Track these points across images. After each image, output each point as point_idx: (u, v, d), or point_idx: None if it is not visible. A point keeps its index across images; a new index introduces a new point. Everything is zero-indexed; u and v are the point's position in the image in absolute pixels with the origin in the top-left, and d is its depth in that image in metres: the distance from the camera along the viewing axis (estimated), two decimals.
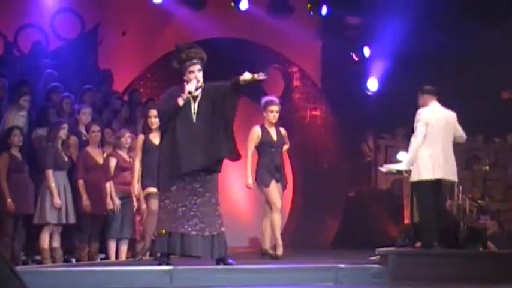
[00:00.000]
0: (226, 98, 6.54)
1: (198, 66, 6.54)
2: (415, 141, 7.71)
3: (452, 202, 8.76)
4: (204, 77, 6.59)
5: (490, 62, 12.03)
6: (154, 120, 7.84)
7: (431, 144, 7.69)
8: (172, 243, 6.41)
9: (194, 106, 6.53)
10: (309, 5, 13.27)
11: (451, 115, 7.89)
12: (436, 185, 7.74)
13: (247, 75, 6.49)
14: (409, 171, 7.86)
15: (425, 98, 7.89)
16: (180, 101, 6.47)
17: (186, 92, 6.46)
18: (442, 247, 7.61)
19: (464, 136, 8.01)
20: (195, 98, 6.54)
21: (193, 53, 6.56)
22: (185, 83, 6.55)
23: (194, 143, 6.45)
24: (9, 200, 8.03)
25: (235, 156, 6.68)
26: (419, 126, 7.71)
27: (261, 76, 6.55)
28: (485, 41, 11.95)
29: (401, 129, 13.04)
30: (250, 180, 8.07)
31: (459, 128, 7.92)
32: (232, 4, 12.72)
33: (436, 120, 7.75)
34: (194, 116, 6.51)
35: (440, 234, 7.72)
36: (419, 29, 12.11)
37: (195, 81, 6.50)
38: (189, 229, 6.41)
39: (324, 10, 13.34)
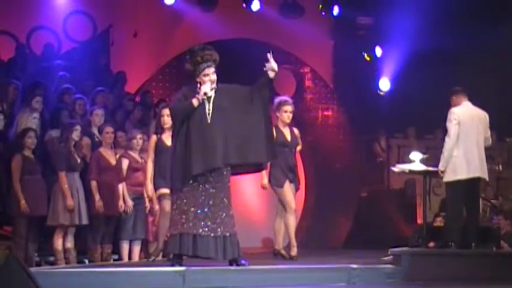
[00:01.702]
0: (256, 96, 6.56)
1: (213, 69, 6.57)
2: (449, 141, 7.72)
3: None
4: (216, 77, 6.60)
5: (503, 61, 11.98)
6: (167, 119, 7.85)
7: (465, 143, 7.71)
8: (184, 244, 6.41)
9: (208, 107, 6.54)
10: (320, 6, 13.26)
11: (483, 114, 7.94)
12: (472, 184, 7.76)
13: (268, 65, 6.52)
14: (443, 171, 7.82)
15: (456, 99, 7.92)
16: (195, 102, 6.49)
17: (202, 93, 6.48)
18: (457, 247, 7.61)
19: (490, 140, 8.04)
20: (208, 99, 6.55)
21: (208, 55, 6.58)
22: (198, 85, 6.56)
23: (208, 143, 6.45)
24: (22, 201, 8.06)
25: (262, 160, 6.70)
26: (452, 126, 7.72)
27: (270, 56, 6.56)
28: (498, 39, 11.90)
29: (414, 129, 13.03)
30: (266, 181, 8.06)
31: (488, 129, 7.94)
32: (244, 5, 12.72)
33: (468, 118, 7.78)
34: (208, 117, 6.52)
35: (479, 232, 7.79)
36: (432, 29, 12.07)
37: (209, 83, 6.51)
38: (201, 230, 6.42)
39: (336, 10, 13.32)
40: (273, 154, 6.76)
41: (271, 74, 6.58)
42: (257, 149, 6.56)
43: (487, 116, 7.97)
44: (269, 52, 6.59)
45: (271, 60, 6.56)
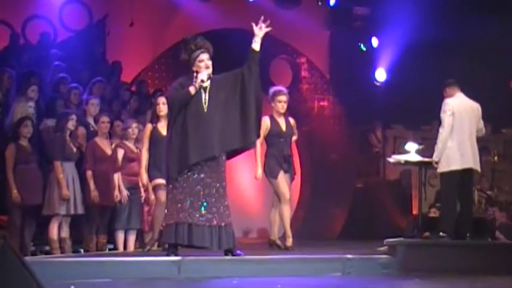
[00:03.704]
0: (247, 74, 6.53)
1: (207, 55, 6.57)
2: (443, 132, 7.77)
3: None
4: (212, 68, 6.59)
5: (499, 52, 11.98)
6: (162, 107, 7.85)
7: (459, 134, 7.75)
8: (180, 233, 6.41)
9: (205, 96, 6.53)
10: None
11: (476, 106, 7.99)
12: (466, 175, 7.80)
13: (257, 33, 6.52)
14: (438, 162, 7.85)
15: (450, 90, 7.97)
16: (192, 89, 6.48)
17: (199, 80, 6.48)
18: (452, 238, 7.63)
19: (484, 130, 8.07)
20: (205, 88, 6.54)
21: (201, 42, 6.60)
22: (194, 74, 6.55)
23: (205, 132, 6.44)
24: (14, 191, 8.04)
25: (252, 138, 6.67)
26: (446, 117, 7.77)
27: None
28: (494, 31, 11.90)
29: (410, 120, 13.03)
30: (260, 171, 8.04)
31: (481, 120, 7.98)
32: None
33: (462, 109, 7.83)
34: (205, 106, 6.52)
35: (474, 224, 7.83)
36: (428, 19, 12.06)
37: (205, 71, 6.51)
38: (196, 219, 6.41)
39: (332, 0, 13.32)
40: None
41: (257, 46, 6.53)
42: (248, 129, 6.55)
43: (479, 107, 8.00)
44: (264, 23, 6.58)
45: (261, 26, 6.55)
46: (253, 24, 6.62)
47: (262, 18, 6.64)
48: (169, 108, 6.77)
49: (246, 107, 6.54)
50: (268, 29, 6.62)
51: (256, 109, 6.58)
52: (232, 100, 6.56)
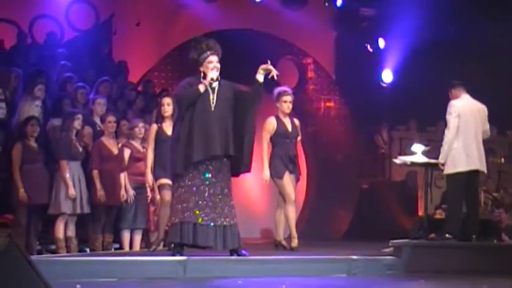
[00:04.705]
0: (246, 100, 6.58)
1: (216, 58, 6.60)
2: (448, 133, 7.78)
3: None
4: (219, 69, 6.61)
5: (505, 54, 11.96)
6: (167, 108, 7.87)
7: (464, 136, 7.76)
8: (185, 233, 6.41)
9: (213, 96, 6.56)
10: None
11: (482, 107, 7.98)
12: (472, 176, 7.80)
13: (262, 67, 6.53)
14: (444, 164, 7.86)
15: (456, 92, 7.97)
16: (202, 87, 6.51)
17: (209, 78, 6.50)
18: (458, 240, 7.63)
19: (489, 132, 8.07)
20: (213, 89, 6.56)
21: (212, 43, 6.63)
22: (202, 74, 6.57)
23: (210, 132, 6.46)
24: (21, 189, 8.06)
25: (244, 169, 6.71)
26: (451, 119, 7.77)
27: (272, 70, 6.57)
28: (501, 32, 11.88)
29: (415, 121, 13.03)
30: (268, 173, 8.01)
31: (487, 122, 7.97)
32: None
33: (468, 111, 7.82)
34: (213, 105, 6.54)
35: (480, 225, 7.83)
36: (435, 21, 12.05)
37: (215, 69, 6.53)
38: (201, 219, 6.42)
39: (339, 1, 13.33)
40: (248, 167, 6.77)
41: (261, 78, 6.56)
42: (241, 157, 6.59)
43: (485, 109, 8.00)
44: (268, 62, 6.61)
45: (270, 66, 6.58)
46: (269, 61, 6.60)
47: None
48: (177, 105, 6.79)
49: (238, 138, 6.57)
50: (274, 76, 6.59)
51: (247, 146, 6.60)
52: (237, 113, 6.59)
